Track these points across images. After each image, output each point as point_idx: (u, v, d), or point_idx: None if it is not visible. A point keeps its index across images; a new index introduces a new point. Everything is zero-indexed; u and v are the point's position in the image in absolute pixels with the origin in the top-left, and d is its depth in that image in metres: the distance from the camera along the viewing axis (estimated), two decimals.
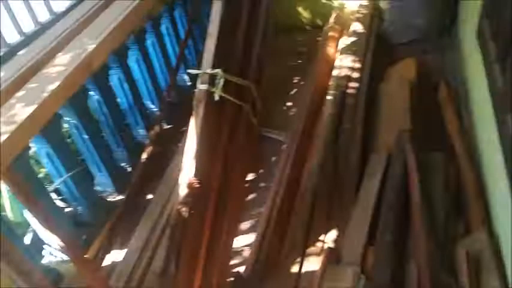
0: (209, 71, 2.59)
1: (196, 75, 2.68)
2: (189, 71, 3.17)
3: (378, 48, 3.54)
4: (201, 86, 2.56)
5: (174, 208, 1.73)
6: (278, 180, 2.60)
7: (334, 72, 3.22)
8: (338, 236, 2.22)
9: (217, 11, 2.64)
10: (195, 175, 1.62)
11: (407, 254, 2.03)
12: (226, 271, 1.93)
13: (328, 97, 2.98)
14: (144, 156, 2.89)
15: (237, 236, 2.44)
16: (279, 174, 2.64)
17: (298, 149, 2.68)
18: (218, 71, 2.58)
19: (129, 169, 3.02)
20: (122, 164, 3.02)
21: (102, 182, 2.83)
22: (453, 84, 3.10)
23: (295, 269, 2.09)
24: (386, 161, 2.46)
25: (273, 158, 2.99)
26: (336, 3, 4.06)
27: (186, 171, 1.70)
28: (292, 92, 3.58)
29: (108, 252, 2.49)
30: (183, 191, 1.65)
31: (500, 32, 2.03)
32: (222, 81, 2.54)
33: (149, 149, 2.87)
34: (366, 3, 3.89)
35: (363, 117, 2.86)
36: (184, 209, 1.61)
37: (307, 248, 2.17)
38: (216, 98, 2.52)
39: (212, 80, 2.59)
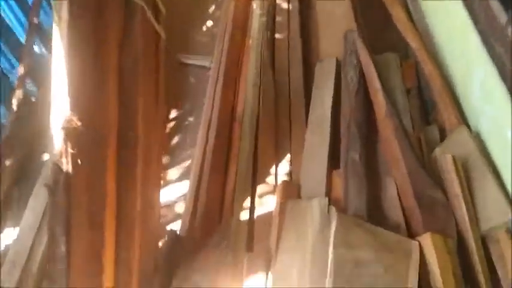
0: None
1: None
2: None
3: None
4: None
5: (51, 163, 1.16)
6: (208, 111, 2.06)
7: None
8: (292, 166, 1.77)
9: None
10: (73, 110, 1.06)
11: (380, 171, 1.63)
12: (153, 233, 1.41)
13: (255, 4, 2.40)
14: None
15: (162, 187, 1.91)
16: (208, 105, 2.09)
17: (228, 71, 2.13)
18: None
19: None
20: None
21: None
22: None
23: (244, 215, 1.61)
24: (336, 67, 2.00)
25: (199, 89, 2.42)
26: None
27: (58, 105, 1.12)
28: (211, 10, 2.95)
29: None
30: (58, 135, 1.09)
31: None
32: None
33: None
34: None
35: (299, 23, 2.34)
36: (66, 161, 1.05)
37: (255, 188, 1.69)
38: None
39: None
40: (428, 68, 2.00)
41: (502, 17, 1.41)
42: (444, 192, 1.50)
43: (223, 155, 1.82)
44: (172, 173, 2.10)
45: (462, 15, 1.69)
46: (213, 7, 2.91)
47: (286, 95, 2.00)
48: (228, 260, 1.42)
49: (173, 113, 2.37)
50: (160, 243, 1.57)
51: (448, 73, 1.98)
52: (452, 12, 1.81)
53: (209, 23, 2.82)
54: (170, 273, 1.44)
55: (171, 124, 2.32)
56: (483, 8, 1.53)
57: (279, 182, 1.67)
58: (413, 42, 2.14)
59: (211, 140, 1.85)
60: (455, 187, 1.47)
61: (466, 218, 1.41)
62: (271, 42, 2.26)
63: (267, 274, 1.38)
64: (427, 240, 1.29)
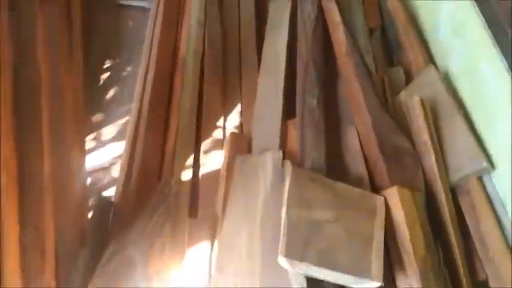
0: None
1: None
2: None
3: None
4: None
5: None
6: (145, 57, 1.78)
7: None
8: (243, 117, 1.54)
9: None
10: None
11: (341, 119, 1.43)
12: (74, 202, 1.17)
13: None
14: None
15: (94, 148, 1.66)
16: (146, 49, 1.80)
17: (168, 8, 1.83)
18: None
19: None
20: None
21: None
22: None
23: (187, 174, 1.39)
24: (291, 2, 1.74)
25: (139, 34, 2.11)
26: None
27: None
28: None
29: None
30: None
31: None
32: None
33: None
34: None
35: None
36: None
37: (200, 144, 1.47)
38: None
39: None
40: (392, 3, 1.79)
41: None
42: (411, 140, 1.33)
43: (162, 107, 1.56)
44: (108, 131, 1.83)
45: None
46: None
47: (236, 34, 1.74)
48: (167, 228, 1.21)
49: (108, 63, 2.06)
50: (88, 213, 1.33)
51: (414, 9, 1.78)
52: None
53: None
54: (99, 247, 1.22)
55: (106, 75, 2.02)
56: None
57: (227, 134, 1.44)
58: None
59: (148, 90, 1.59)
60: (423, 133, 1.30)
61: (435, 168, 1.25)
62: None
63: (213, 243, 1.18)
64: (393, 194, 1.13)
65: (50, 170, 1.05)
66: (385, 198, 1.14)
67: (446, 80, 1.46)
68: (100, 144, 1.80)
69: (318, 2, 1.65)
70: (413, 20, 1.74)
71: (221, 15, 1.80)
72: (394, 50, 1.78)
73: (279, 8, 1.77)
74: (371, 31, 1.82)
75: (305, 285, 1.00)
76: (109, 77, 2.01)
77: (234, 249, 1.12)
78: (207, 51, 1.66)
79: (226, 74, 1.65)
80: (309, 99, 1.39)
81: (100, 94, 1.95)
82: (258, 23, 1.82)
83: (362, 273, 0.97)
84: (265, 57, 1.64)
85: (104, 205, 1.35)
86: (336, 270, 0.97)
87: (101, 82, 2.00)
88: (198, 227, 1.21)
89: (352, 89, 1.41)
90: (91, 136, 1.82)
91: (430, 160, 1.27)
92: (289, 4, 1.74)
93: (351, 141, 1.36)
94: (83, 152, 1.32)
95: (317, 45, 1.52)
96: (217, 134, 1.48)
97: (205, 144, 1.44)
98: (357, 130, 1.38)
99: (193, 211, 1.28)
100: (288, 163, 1.19)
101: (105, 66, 2.05)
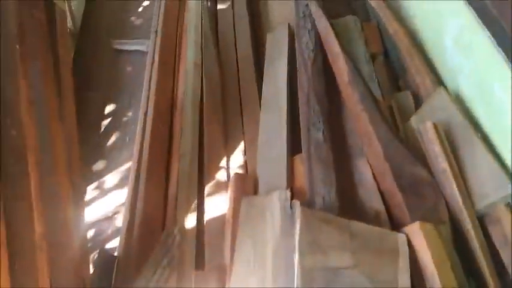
0: None
1: None
2: None
3: None
4: None
5: None
6: (144, 102, 1.73)
7: None
8: (247, 156, 1.47)
9: None
10: None
11: (350, 152, 1.35)
12: (73, 258, 1.09)
13: None
14: None
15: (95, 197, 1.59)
16: (145, 94, 1.77)
17: (164, 50, 1.80)
18: None
19: None
20: None
21: None
22: None
23: (191, 221, 1.30)
24: (289, 35, 1.71)
25: (138, 79, 2.09)
26: None
27: None
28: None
29: None
30: None
31: None
32: None
33: None
34: None
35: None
36: None
37: (203, 188, 1.39)
38: None
39: None
40: (392, 26, 1.74)
41: None
42: (427, 168, 1.24)
43: (162, 151, 1.50)
44: (110, 178, 1.77)
45: None
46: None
47: (234, 73, 1.70)
48: (172, 282, 1.12)
49: (109, 108, 2.03)
50: (88, 268, 1.25)
51: (416, 31, 1.72)
52: None
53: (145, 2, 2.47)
54: None
55: (107, 121, 1.98)
56: None
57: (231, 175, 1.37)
58: (372, 1, 1.89)
59: (148, 135, 1.53)
60: (440, 160, 1.21)
61: (458, 197, 1.15)
62: (213, 13, 1.94)
63: None
64: (416, 231, 1.03)
65: (42, 228, 0.97)
66: (407, 235, 1.04)
67: (458, 102, 1.38)
68: (103, 192, 1.73)
69: (316, 31, 1.61)
70: (416, 43, 1.68)
71: (218, 55, 1.76)
72: (399, 74, 1.71)
73: (276, 41, 1.73)
74: (373, 57, 1.77)
75: None
76: (110, 122, 1.97)
77: None
78: (206, 92, 1.61)
79: (226, 113, 1.59)
80: (314, 133, 1.32)
81: (101, 141, 1.91)
82: (256, 58, 1.78)
83: None
84: (266, 93, 1.58)
85: (107, 259, 1.27)
86: None
87: (102, 129, 1.96)
88: (206, 280, 1.11)
89: (359, 119, 1.33)
90: (93, 185, 1.76)
91: (452, 188, 1.17)
92: (286, 36, 1.70)
93: (364, 175, 1.28)
94: (81, 204, 1.24)
95: (318, 76, 1.47)
96: (221, 175, 1.40)
97: (208, 188, 1.37)
98: (368, 162, 1.29)
99: (199, 262, 1.19)
100: (297, 204, 1.10)
101: (106, 113, 2.01)
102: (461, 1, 1.29)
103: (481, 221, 1.18)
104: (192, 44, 1.71)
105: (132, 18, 2.42)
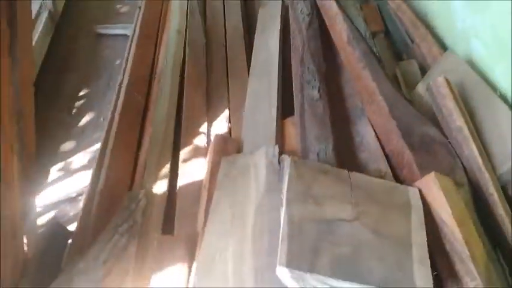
0: None
1: None
2: None
3: None
4: None
5: None
6: (121, 73, 1.57)
7: None
8: (232, 124, 1.29)
9: None
10: None
11: (349, 115, 1.17)
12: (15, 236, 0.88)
13: None
14: None
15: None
16: (122, 66, 1.60)
17: (147, 19, 1.66)
18: None
19: None
20: None
21: None
22: None
23: (161, 186, 1.10)
24: (282, 9, 1.57)
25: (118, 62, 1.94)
26: None
27: None
28: None
29: None
30: None
31: None
32: None
33: None
34: None
35: None
36: None
37: (178, 154, 1.19)
38: None
39: None
40: (394, 1, 1.62)
41: None
42: (440, 130, 1.06)
43: (134, 120, 1.32)
44: (78, 159, 1.57)
45: None
46: None
47: (222, 42, 1.54)
48: (131, 251, 0.90)
49: (85, 90, 1.86)
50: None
51: (419, 4, 1.60)
52: None
53: None
54: (45, 279, 0.91)
55: (81, 102, 1.81)
56: None
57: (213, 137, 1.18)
58: None
59: (120, 103, 1.35)
60: (455, 117, 1.03)
61: (478, 157, 0.97)
62: None
63: (191, 266, 0.87)
64: (430, 182, 0.83)
65: None
66: (420, 191, 0.85)
67: (471, 64, 1.22)
68: (68, 173, 1.53)
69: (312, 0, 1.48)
70: (420, 16, 1.55)
71: (204, 23, 1.62)
72: (402, 50, 1.57)
73: (268, 12, 1.59)
74: (374, 34, 1.64)
75: None
76: (84, 103, 1.80)
77: (217, 274, 0.81)
78: (188, 60, 1.44)
79: (210, 81, 1.42)
80: (308, 90, 1.14)
81: (73, 121, 1.72)
82: (246, 32, 1.64)
83: (403, 284, 0.65)
84: (255, 60, 1.42)
85: (56, 230, 1.06)
86: (362, 283, 0.66)
87: (75, 110, 1.78)
88: (173, 247, 0.90)
89: (361, 77, 1.16)
90: (59, 166, 1.56)
91: (470, 149, 0.98)
92: (279, 10, 1.57)
93: (365, 138, 1.09)
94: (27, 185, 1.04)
95: (314, 38, 1.31)
96: (200, 141, 1.21)
97: (185, 153, 1.17)
98: (370, 123, 1.11)
99: (168, 229, 0.98)
100: (286, 157, 0.92)
101: (81, 94, 1.84)
102: None
103: (504, 190, 0.99)
104: (177, 12, 1.57)
105: (118, 6, 2.29)
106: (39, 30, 1.96)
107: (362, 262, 0.69)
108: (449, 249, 0.75)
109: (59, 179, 1.52)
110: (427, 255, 0.71)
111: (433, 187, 0.82)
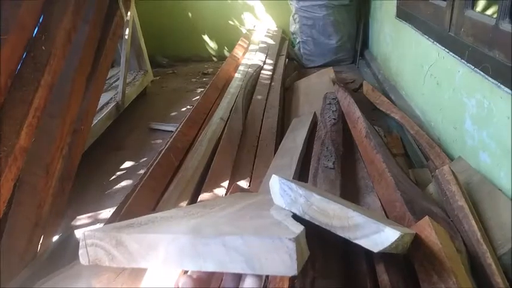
0: None
1: None
2: None
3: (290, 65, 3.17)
4: None
5: None
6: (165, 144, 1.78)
7: (242, 65, 2.69)
8: (250, 188, 1.40)
9: None
10: None
11: (359, 191, 1.27)
12: None
13: (237, 75, 2.37)
14: None
15: None
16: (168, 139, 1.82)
17: (197, 110, 1.93)
18: None
19: None
20: None
21: None
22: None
23: None
24: (313, 118, 1.81)
25: None
26: (244, 30, 3.78)
27: None
28: (193, 99, 2.92)
29: None
30: None
31: None
32: None
33: None
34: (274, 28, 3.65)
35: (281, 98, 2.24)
36: None
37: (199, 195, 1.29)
38: None
39: None
40: (414, 129, 1.82)
41: None
42: (443, 207, 1.13)
43: (165, 172, 1.46)
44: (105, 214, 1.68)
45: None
46: (196, 98, 2.90)
47: (256, 134, 1.75)
48: None
49: (127, 163, 2.06)
50: None
51: (433, 130, 1.79)
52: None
53: (189, 106, 2.76)
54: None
55: (120, 172, 1.99)
56: None
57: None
58: (396, 115, 2.03)
59: (156, 161, 1.52)
60: (457, 198, 1.10)
61: (477, 232, 1.01)
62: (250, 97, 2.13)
63: None
64: (425, 224, 0.88)
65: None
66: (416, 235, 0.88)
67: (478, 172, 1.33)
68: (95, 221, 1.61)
69: (339, 111, 1.71)
70: (434, 140, 1.73)
71: (245, 119, 1.86)
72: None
73: (301, 121, 1.82)
74: (394, 156, 1.80)
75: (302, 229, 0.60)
76: (122, 174, 1.98)
77: None
78: (224, 137, 1.65)
79: (240, 156, 1.59)
80: (324, 162, 1.27)
81: (108, 185, 1.88)
82: (279, 138, 1.86)
83: None
84: (282, 149, 1.59)
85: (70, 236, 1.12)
86: None
87: (113, 176, 1.96)
88: None
89: (373, 161, 1.29)
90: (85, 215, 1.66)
91: (470, 224, 1.03)
92: (310, 118, 1.80)
93: (372, 204, 1.17)
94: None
95: (336, 131, 1.50)
96: (220, 191, 1.32)
97: (203, 196, 1.27)
98: (378, 198, 1.20)
99: None
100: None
101: (122, 166, 2.04)
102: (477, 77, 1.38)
103: (506, 275, 0.99)
104: (224, 105, 1.84)
105: (172, 114, 2.67)
106: (104, 114, 2.28)
107: None
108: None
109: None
110: None
111: (426, 228, 0.87)
